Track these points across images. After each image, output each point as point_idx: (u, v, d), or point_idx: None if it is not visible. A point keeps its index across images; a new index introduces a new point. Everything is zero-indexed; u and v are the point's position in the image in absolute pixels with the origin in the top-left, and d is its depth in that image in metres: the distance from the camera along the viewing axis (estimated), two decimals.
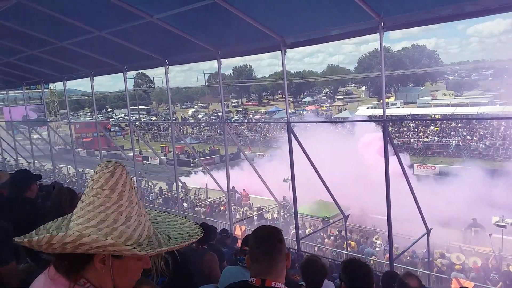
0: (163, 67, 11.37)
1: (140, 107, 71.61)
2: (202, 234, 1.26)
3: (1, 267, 2.21)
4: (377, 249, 13.27)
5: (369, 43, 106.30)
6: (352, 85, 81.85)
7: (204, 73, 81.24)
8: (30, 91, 25.57)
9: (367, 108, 50.21)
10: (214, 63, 10.31)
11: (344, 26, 7.42)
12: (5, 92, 21.84)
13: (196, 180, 22.09)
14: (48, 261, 1.19)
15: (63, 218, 1.22)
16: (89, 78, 13.89)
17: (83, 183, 19.06)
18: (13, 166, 22.70)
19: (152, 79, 78.02)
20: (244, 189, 18.83)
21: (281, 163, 17.91)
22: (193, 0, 7.11)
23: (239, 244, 10.33)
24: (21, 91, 21.58)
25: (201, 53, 10.19)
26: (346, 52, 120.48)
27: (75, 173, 19.68)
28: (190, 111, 72.29)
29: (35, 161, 22.70)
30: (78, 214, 1.11)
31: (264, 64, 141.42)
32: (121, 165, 1.15)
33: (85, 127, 43.55)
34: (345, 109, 56.62)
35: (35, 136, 23.15)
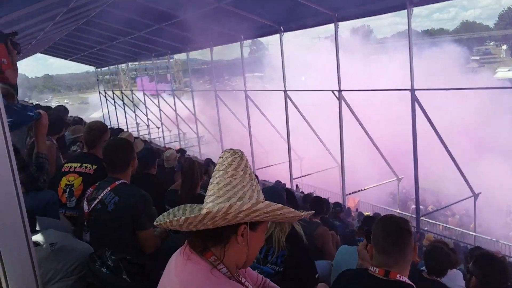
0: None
1: (254, 74, 73.32)
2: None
3: (141, 231, 2.38)
4: None
5: None
6: (491, 44, 71.13)
7: (319, 38, 78.66)
8: (157, 61, 27.89)
9: (509, 70, 43.39)
10: (330, 26, 9.86)
11: None
12: (137, 63, 24.12)
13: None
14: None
15: (184, 206, 1.35)
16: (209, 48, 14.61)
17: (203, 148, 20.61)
18: (145, 130, 25.61)
19: (266, 46, 78.73)
20: None
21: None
22: None
23: (353, 215, 10.13)
24: (151, 62, 23.77)
25: (317, 18, 9.85)
26: (484, 6, 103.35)
27: (196, 138, 21.35)
28: (303, 78, 71.44)
29: (163, 126, 25.09)
30: (217, 195, 1.24)
31: (385, 24, 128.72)
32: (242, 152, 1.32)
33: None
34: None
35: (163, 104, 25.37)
